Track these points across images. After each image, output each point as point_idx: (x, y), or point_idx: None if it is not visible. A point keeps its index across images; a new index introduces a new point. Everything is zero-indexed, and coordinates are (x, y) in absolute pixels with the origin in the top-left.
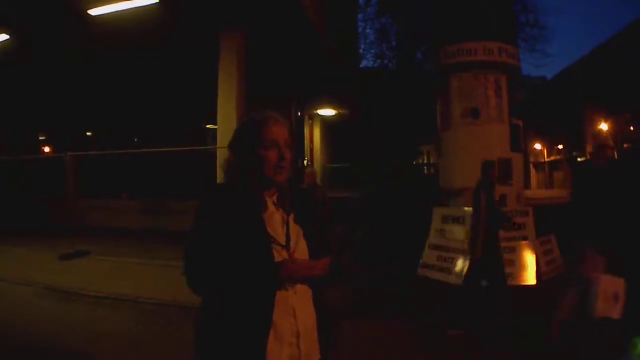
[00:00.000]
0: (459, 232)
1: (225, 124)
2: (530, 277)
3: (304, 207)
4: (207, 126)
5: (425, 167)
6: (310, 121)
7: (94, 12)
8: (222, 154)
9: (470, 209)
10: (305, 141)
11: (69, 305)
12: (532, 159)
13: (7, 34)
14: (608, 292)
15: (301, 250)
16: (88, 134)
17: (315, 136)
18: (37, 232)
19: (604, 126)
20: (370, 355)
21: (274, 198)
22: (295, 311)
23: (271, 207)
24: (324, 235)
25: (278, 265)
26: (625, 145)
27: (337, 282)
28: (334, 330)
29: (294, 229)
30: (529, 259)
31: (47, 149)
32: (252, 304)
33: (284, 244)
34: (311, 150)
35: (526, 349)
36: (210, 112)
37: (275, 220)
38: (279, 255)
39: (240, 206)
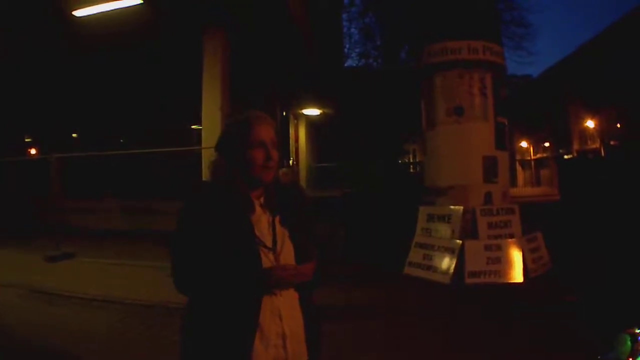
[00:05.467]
0: (444, 231)
1: (210, 124)
2: (517, 274)
3: (290, 208)
4: (192, 127)
5: (410, 166)
6: (296, 121)
7: (78, 13)
8: (206, 155)
9: (456, 207)
10: (291, 141)
11: (56, 308)
12: (518, 157)
13: None
14: None
15: (287, 253)
16: (74, 135)
17: (300, 136)
18: (22, 233)
19: (590, 123)
20: (357, 356)
21: (261, 200)
22: (281, 313)
23: (258, 209)
24: (309, 237)
25: (266, 272)
26: (612, 143)
27: (322, 283)
28: (320, 332)
29: (280, 231)
30: (516, 257)
31: (33, 151)
32: (238, 306)
33: (270, 246)
34: (296, 150)
35: (516, 345)
36: (195, 113)
37: (262, 222)
38: (266, 257)
39: (228, 208)
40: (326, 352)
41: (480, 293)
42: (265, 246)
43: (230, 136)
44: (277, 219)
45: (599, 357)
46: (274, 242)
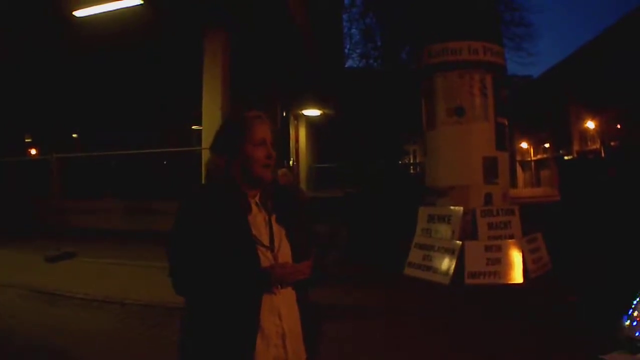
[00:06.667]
0: (444, 231)
1: (210, 125)
2: (517, 275)
3: (286, 207)
4: (193, 127)
5: (411, 167)
6: (296, 121)
7: (78, 13)
8: (207, 155)
9: (457, 208)
10: (291, 141)
11: (56, 308)
12: (518, 158)
13: None
14: None
15: (284, 251)
16: (74, 135)
17: (300, 136)
18: (23, 234)
19: (590, 124)
20: (357, 356)
21: (257, 199)
22: (280, 312)
23: (254, 208)
24: (306, 236)
25: (266, 271)
26: (612, 143)
27: (322, 282)
28: (318, 330)
29: (277, 229)
30: (516, 257)
31: (33, 151)
32: (240, 307)
33: (268, 245)
34: (297, 150)
35: (516, 345)
36: (196, 113)
37: (259, 221)
38: (264, 256)
39: (226, 207)
40: (326, 352)
41: (480, 294)
42: (263, 245)
43: (229, 135)
44: (274, 217)
45: (599, 357)
46: (271, 240)
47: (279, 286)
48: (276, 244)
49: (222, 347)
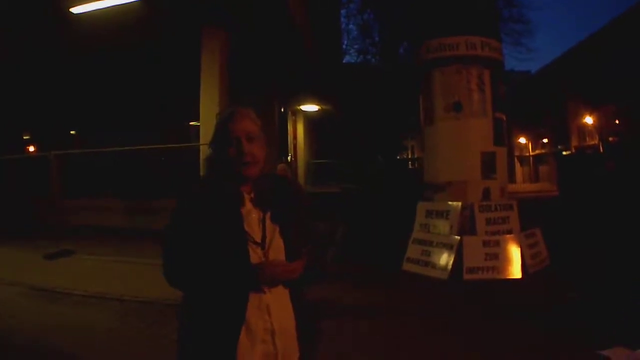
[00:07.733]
0: (443, 227)
1: (208, 121)
2: (515, 270)
3: (285, 201)
4: (191, 123)
5: (409, 162)
6: (294, 117)
7: (76, 10)
8: (205, 151)
9: (455, 203)
10: (289, 137)
11: (55, 305)
12: (517, 153)
13: None
14: None
15: (276, 248)
16: (72, 132)
17: (298, 132)
18: (21, 231)
19: (588, 120)
20: (356, 354)
21: (252, 195)
22: (270, 309)
23: (248, 204)
24: (303, 232)
25: (255, 269)
26: (610, 139)
27: (320, 280)
28: (314, 329)
29: (270, 226)
30: (514, 253)
31: (31, 148)
32: (225, 301)
33: (259, 241)
34: (295, 146)
35: (516, 345)
36: (194, 110)
37: (252, 217)
38: (254, 253)
39: (219, 202)
40: (325, 351)
41: (479, 290)
42: (254, 241)
43: (215, 132)
44: (269, 214)
45: (598, 353)
46: (263, 237)
47: (269, 285)
48: (267, 240)
49: (208, 341)
